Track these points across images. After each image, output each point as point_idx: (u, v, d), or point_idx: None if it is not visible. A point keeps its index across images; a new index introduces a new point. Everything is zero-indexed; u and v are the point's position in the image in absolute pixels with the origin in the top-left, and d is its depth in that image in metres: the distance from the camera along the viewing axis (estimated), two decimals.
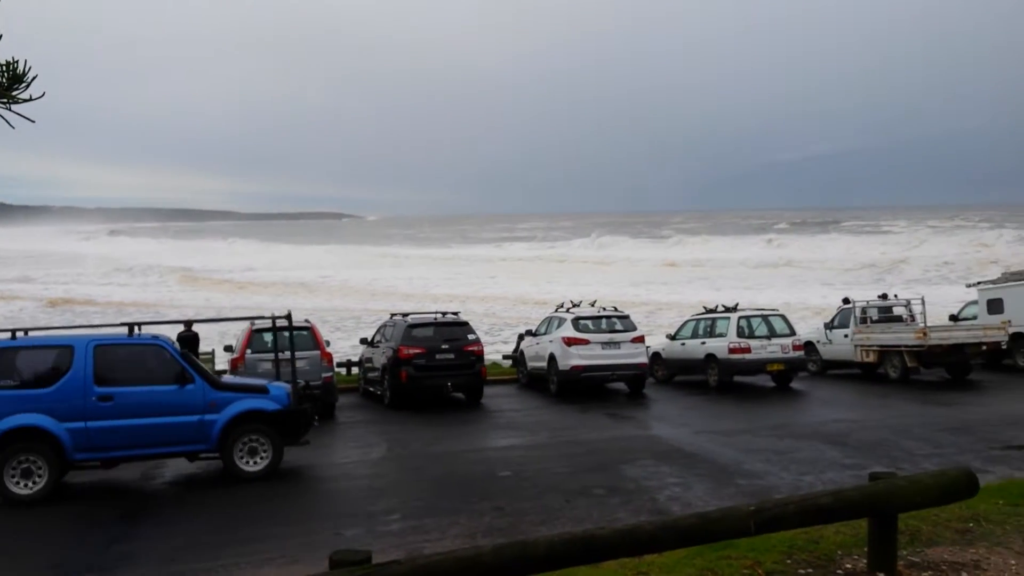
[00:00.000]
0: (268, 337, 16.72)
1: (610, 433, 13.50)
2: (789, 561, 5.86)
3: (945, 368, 19.25)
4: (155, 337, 11.20)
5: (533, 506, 8.81)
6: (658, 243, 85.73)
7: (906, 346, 18.80)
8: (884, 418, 14.07)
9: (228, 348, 17.53)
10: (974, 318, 21.55)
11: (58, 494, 10.28)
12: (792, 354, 18.80)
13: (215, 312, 39.98)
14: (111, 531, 8.57)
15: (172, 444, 10.80)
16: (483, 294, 49.51)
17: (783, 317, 19.83)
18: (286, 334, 16.63)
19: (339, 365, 21.15)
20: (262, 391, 11.27)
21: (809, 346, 21.08)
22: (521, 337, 21.49)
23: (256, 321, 13.98)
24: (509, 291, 50.85)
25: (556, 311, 19.98)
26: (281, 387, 11.44)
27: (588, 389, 18.43)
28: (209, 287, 57.12)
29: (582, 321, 18.50)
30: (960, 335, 18.85)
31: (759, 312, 20.13)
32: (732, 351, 18.59)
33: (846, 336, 20.57)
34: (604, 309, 19.51)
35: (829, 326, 21.57)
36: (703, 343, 19.55)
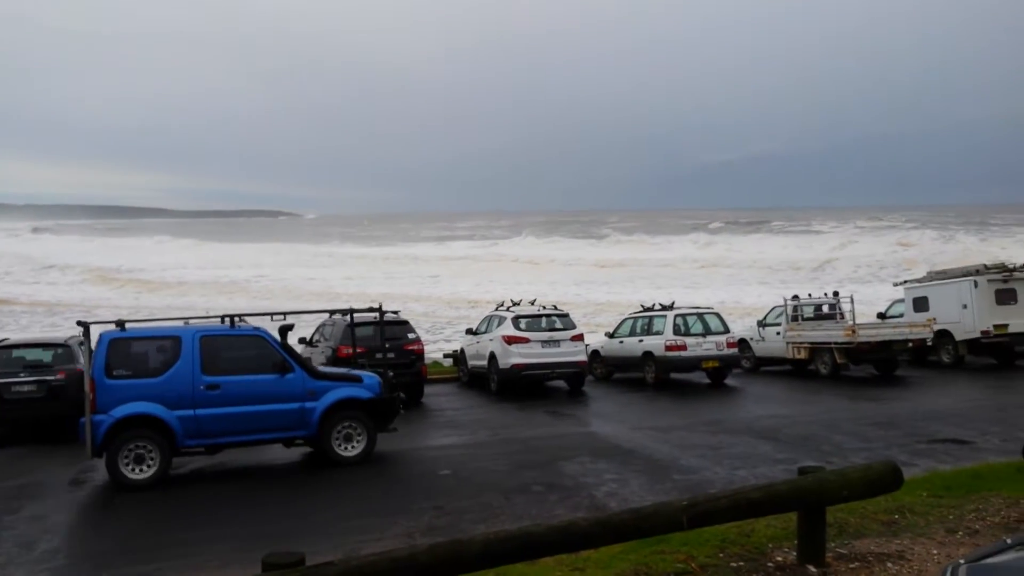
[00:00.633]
0: None
1: (549, 430, 13.59)
2: (721, 555, 5.99)
3: (873, 364, 19.84)
4: (256, 328, 11.62)
5: (472, 504, 8.82)
6: (597, 242, 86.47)
7: (836, 343, 19.34)
8: (815, 413, 14.45)
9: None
10: (901, 316, 22.26)
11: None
12: (726, 351, 19.18)
13: (148, 313, 39.05)
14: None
15: (274, 430, 11.24)
16: (424, 293, 49.35)
17: (718, 315, 20.23)
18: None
19: None
20: (356, 380, 11.81)
21: (743, 343, 21.53)
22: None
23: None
24: (449, 290, 50.78)
25: (496, 310, 20.05)
26: (373, 376, 11.97)
27: (528, 387, 18.55)
28: (135, 287, 55.55)
29: (522, 320, 18.60)
30: (887, 332, 19.46)
31: (695, 310, 20.50)
32: (668, 348, 18.88)
33: (778, 334, 21.08)
34: (544, 308, 19.65)
35: (762, 324, 22.06)
36: (640, 341, 19.81)
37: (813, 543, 5.77)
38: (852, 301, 20.79)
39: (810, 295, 23.17)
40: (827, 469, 5.91)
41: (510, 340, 18.14)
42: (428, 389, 18.31)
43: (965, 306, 20.44)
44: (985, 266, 21.16)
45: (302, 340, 20.01)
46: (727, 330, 19.71)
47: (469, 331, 20.92)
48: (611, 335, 21.33)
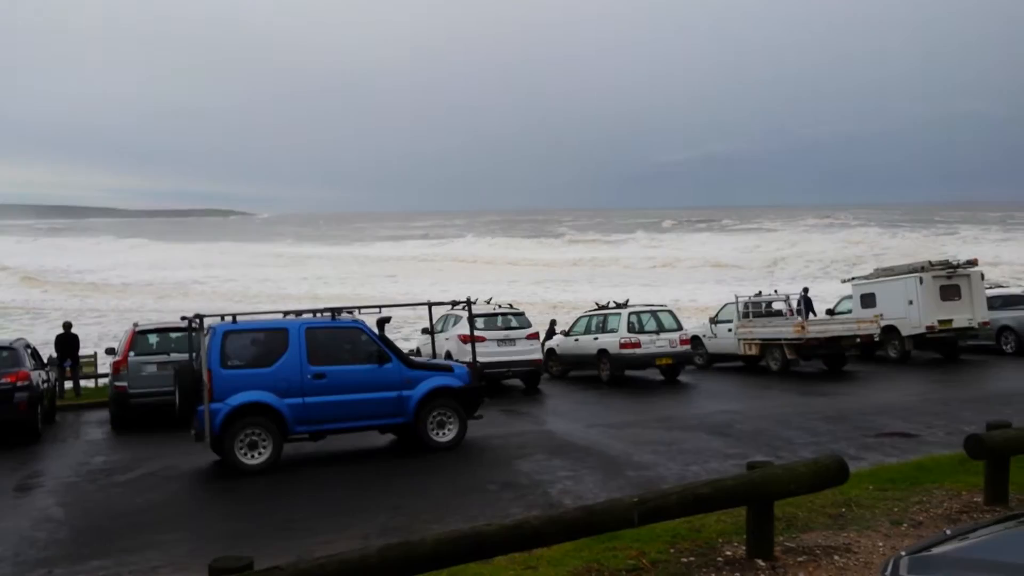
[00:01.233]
0: (153, 339, 16.22)
1: (505, 429, 13.61)
2: (672, 550, 6.06)
3: (822, 360, 20.21)
4: (355, 320, 12.29)
5: (428, 504, 8.83)
6: (553, 241, 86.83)
7: (785, 339, 19.67)
8: (765, 408, 14.69)
9: (110, 351, 16.87)
10: (849, 312, 22.70)
11: None
12: (680, 348, 19.40)
13: (97, 316, 38.27)
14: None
15: (375, 417, 11.86)
16: (380, 293, 49.07)
17: (671, 313, 20.45)
18: (172, 335, 16.17)
19: None
20: (448, 370, 12.49)
21: (696, 340, 21.78)
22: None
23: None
24: (405, 290, 50.57)
25: (452, 309, 20.02)
26: (463, 366, 12.72)
27: (485, 386, 18.53)
28: (62, 290, 54.05)
29: (478, 319, 18.59)
30: (836, 328, 19.85)
31: (648, 308, 20.69)
32: (623, 346, 19.04)
33: (730, 331, 21.37)
34: (500, 307, 19.67)
35: (714, 321, 22.34)
36: (595, 339, 19.94)
37: (762, 537, 5.86)
38: (801, 297, 21.17)
39: (760, 292, 23.54)
40: (775, 464, 6.01)
41: (466, 339, 18.12)
42: None
43: (911, 302, 20.90)
44: (930, 263, 21.66)
45: None
46: (680, 327, 19.93)
47: (425, 330, 20.84)
48: (566, 333, 21.44)
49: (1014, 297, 24.09)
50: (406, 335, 30.16)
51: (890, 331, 21.13)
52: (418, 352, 20.89)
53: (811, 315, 23.48)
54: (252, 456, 10.93)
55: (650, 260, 63.69)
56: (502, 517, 7.97)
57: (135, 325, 16.49)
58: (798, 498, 6.66)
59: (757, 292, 23.49)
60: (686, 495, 5.16)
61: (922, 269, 21.28)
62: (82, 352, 20.28)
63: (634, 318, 19.56)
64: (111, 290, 53.78)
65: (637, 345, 19.04)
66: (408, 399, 11.85)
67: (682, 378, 19.65)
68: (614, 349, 19.17)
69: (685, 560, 5.89)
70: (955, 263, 21.46)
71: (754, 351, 20.64)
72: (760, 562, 5.78)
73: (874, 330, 20.09)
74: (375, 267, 66.72)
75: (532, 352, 18.59)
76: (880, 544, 6.22)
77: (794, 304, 21.91)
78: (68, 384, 19.64)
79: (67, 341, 19.47)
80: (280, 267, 67.60)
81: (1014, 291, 25.52)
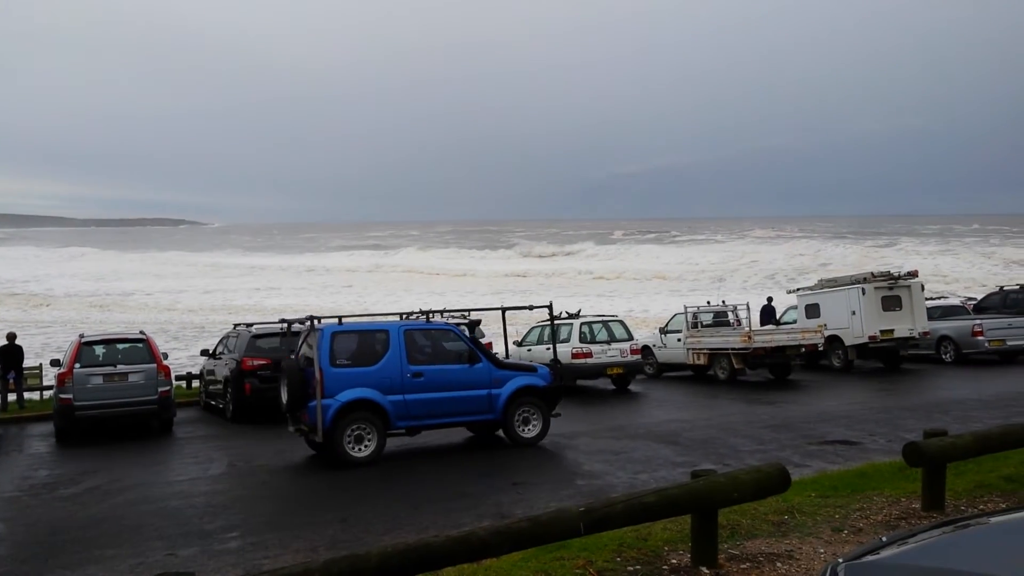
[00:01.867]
0: (99, 350, 15.93)
1: (458, 439, 13.62)
2: (619, 559, 6.14)
3: (768, 369, 20.59)
4: (447, 323, 13.29)
5: (379, 516, 8.78)
6: (507, 251, 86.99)
7: (733, 349, 20.00)
8: (713, 417, 14.91)
9: (55, 363, 16.52)
10: (794, 322, 23.16)
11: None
12: (630, 358, 19.61)
13: (42, 327, 37.34)
14: None
15: (467, 414, 12.56)
16: (335, 304, 48.66)
17: (622, 323, 20.66)
18: (119, 347, 15.92)
19: (179, 378, 20.29)
20: (532, 370, 13.22)
21: (646, 350, 22.03)
22: None
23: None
24: (357, 300, 50.22)
25: (405, 319, 19.96)
26: (545, 367, 13.45)
27: None
28: (16, 301, 52.70)
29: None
30: (781, 338, 20.25)
31: (600, 318, 20.87)
32: (575, 356, 19.19)
33: (679, 340, 21.65)
34: (453, 317, 19.66)
35: (664, 331, 22.61)
36: (548, 349, 20.04)
37: (706, 545, 5.96)
38: (748, 308, 21.53)
39: (708, 302, 23.89)
40: (719, 472, 6.11)
41: None
42: None
43: (854, 312, 21.40)
44: (872, 274, 22.21)
45: (204, 352, 19.52)
46: (631, 337, 20.15)
47: None
48: (519, 343, 21.52)
49: (953, 308, 24.84)
50: None
51: (834, 341, 21.61)
52: None
53: (773, 324, 23.94)
54: (359, 449, 11.65)
55: (601, 271, 64.19)
56: (454, 528, 8.01)
57: (81, 336, 16.17)
58: (743, 506, 6.75)
59: (706, 303, 23.85)
60: (632, 504, 5.24)
61: (864, 280, 21.80)
62: (26, 364, 19.81)
63: (586, 328, 19.73)
64: (56, 301, 52.53)
65: (589, 355, 19.20)
66: (497, 397, 12.61)
67: (633, 387, 19.86)
68: (566, 359, 19.26)
69: (631, 569, 5.97)
70: (896, 274, 22.03)
71: (703, 360, 20.95)
72: (705, 570, 5.89)
73: (818, 340, 20.53)
74: (330, 277, 66.15)
75: None
76: (821, 551, 6.35)
77: (742, 315, 22.29)
78: (12, 396, 19.16)
79: (11, 352, 19.00)
80: (231, 277, 66.65)
81: (953, 302, 26.30)
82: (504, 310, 14.32)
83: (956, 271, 55.10)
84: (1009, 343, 21.52)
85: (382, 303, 48.06)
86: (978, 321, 22.06)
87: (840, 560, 3.19)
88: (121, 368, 15.25)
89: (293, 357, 12.66)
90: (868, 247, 74.25)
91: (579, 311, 20.98)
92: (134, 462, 12.84)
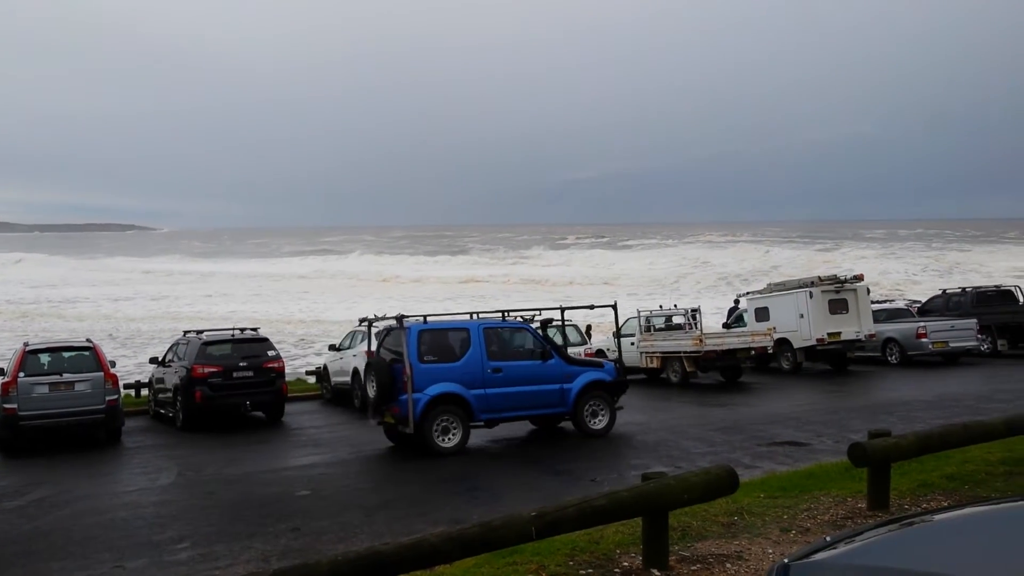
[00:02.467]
0: (45, 359, 15.57)
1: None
2: (571, 563, 6.18)
3: (720, 371, 20.87)
4: (522, 321, 14.16)
5: (332, 524, 8.72)
6: (464, 257, 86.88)
7: (685, 352, 20.24)
8: (666, 420, 15.08)
9: None
10: (744, 325, 23.51)
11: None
12: None
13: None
14: None
15: (541, 407, 13.34)
16: (288, 310, 48.13)
17: (576, 327, 20.75)
18: (66, 355, 15.55)
19: (127, 387, 19.89)
20: (599, 366, 14.09)
21: (600, 354, 22.16)
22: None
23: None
24: (306, 307, 49.76)
25: (360, 324, 19.82)
26: (610, 363, 14.31)
27: None
28: None
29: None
30: (732, 341, 20.54)
31: (557, 323, 20.92)
32: None
33: (632, 344, 21.83)
34: (522, 317, 19.60)
35: (617, 335, 22.79)
36: None
37: (657, 547, 6.03)
38: (700, 312, 21.80)
39: (661, 306, 24.14)
40: (669, 475, 6.19)
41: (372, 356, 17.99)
42: (290, 407, 17.90)
43: (802, 316, 21.80)
44: (819, 278, 22.64)
45: (153, 360, 19.18)
46: (585, 341, 20.26)
47: (332, 347, 20.60)
48: None
49: (898, 310, 25.46)
50: (319, 350, 29.72)
51: (783, 343, 21.98)
52: (325, 370, 20.60)
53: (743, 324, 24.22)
54: (445, 440, 12.31)
55: (554, 276, 64.48)
56: (408, 534, 8.00)
57: (26, 344, 15.79)
58: (693, 507, 6.84)
59: (658, 306, 24.09)
60: (584, 508, 5.28)
61: (812, 284, 22.22)
62: None
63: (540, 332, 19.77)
64: None
65: None
66: (568, 391, 13.35)
67: None
68: None
69: (584, 572, 6.02)
70: (843, 278, 22.49)
71: (655, 364, 21.15)
72: (656, 572, 5.96)
73: (768, 343, 20.86)
74: (285, 284, 65.40)
75: None
76: (770, 551, 6.45)
77: (691, 318, 22.56)
78: None
79: None
80: (181, 284, 65.54)
81: (898, 305, 26.95)
82: (563, 309, 15.36)
83: (902, 274, 56.48)
84: (952, 345, 22.11)
85: (334, 310, 47.65)
86: (922, 324, 22.63)
87: (785, 560, 3.19)
88: (67, 377, 14.91)
89: (376, 355, 13.41)
90: (816, 250, 75.71)
91: (533, 316, 21.03)
92: (81, 473, 12.56)
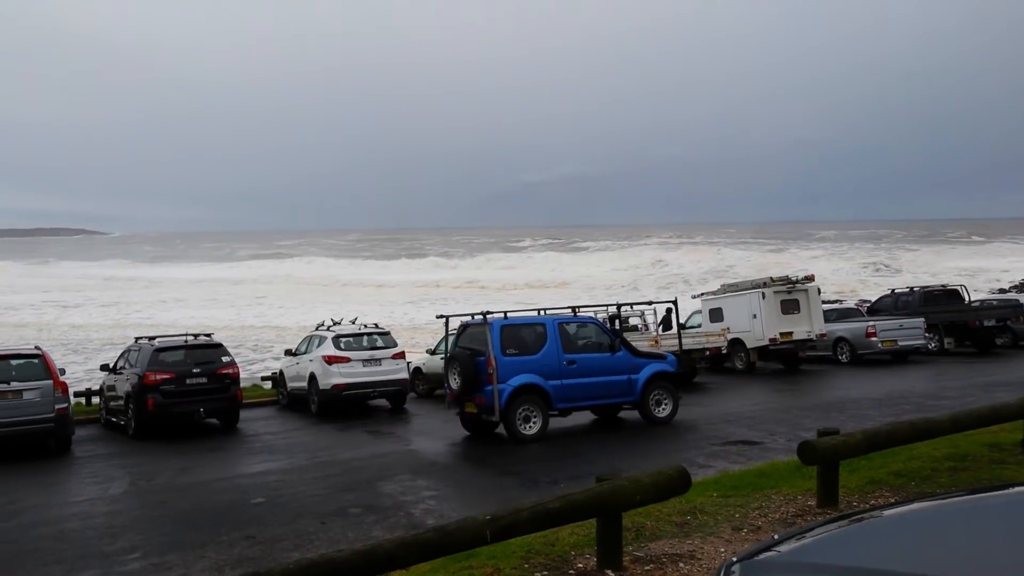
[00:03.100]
0: None
1: (370, 450, 13.53)
2: (527, 565, 6.22)
3: None
4: (591, 316, 15.36)
5: (287, 531, 8.66)
6: (422, 261, 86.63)
7: None
8: (621, 419, 15.17)
9: None
10: (699, 326, 23.77)
11: None
12: None
13: None
14: None
15: (611, 397, 14.16)
16: (242, 316, 47.54)
17: (642, 317, 20.98)
18: (13, 363, 15.17)
19: (77, 394, 19.49)
20: (662, 358, 14.99)
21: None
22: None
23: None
24: (259, 312, 49.23)
25: (316, 329, 19.68)
26: (672, 355, 15.42)
27: (350, 407, 18.30)
28: None
29: (343, 339, 18.37)
30: (687, 342, 20.74)
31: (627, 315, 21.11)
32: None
33: None
34: (365, 326, 19.47)
35: (678, 329, 22.89)
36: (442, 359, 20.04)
37: (611, 548, 6.08)
38: (656, 313, 21.99)
39: (618, 307, 24.26)
40: (621, 476, 6.24)
41: (331, 360, 17.89)
42: (245, 414, 17.69)
43: (755, 316, 22.10)
44: (771, 279, 22.99)
45: (104, 367, 18.83)
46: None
47: (288, 352, 20.41)
48: (432, 352, 21.44)
49: (848, 310, 25.97)
50: (276, 354, 29.43)
51: (736, 343, 22.27)
52: (281, 375, 20.40)
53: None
54: (527, 428, 13.11)
55: (511, 278, 64.63)
56: (364, 541, 7.96)
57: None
58: (648, 507, 6.90)
59: (615, 307, 24.23)
60: (538, 511, 5.32)
61: (764, 285, 22.53)
62: None
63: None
64: None
65: None
66: (636, 381, 14.17)
67: None
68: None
69: (539, 574, 6.06)
70: (794, 279, 22.85)
71: None
72: (610, 573, 6.01)
73: (722, 343, 21.13)
74: (242, 288, 64.58)
75: (398, 372, 18.49)
76: (722, 550, 6.54)
77: (649, 319, 22.75)
78: None
79: None
80: (133, 289, 64.37)
81: (848, 305, 27.48)
82: (619, 306, 16.55)
83: (851, 274, 57.60)
84: (900, 343, 22.60)
85: (290, 314, 47.17)
86: (871, 323, 23.10)
87: (734, 559, 3.22)
88: (15, 385, 14.56)
89: (459, 350, 14.04)
90: (768, 251, 76.89)
91: (607, 310, 20.76)
92: (30, 483, 12.31)
